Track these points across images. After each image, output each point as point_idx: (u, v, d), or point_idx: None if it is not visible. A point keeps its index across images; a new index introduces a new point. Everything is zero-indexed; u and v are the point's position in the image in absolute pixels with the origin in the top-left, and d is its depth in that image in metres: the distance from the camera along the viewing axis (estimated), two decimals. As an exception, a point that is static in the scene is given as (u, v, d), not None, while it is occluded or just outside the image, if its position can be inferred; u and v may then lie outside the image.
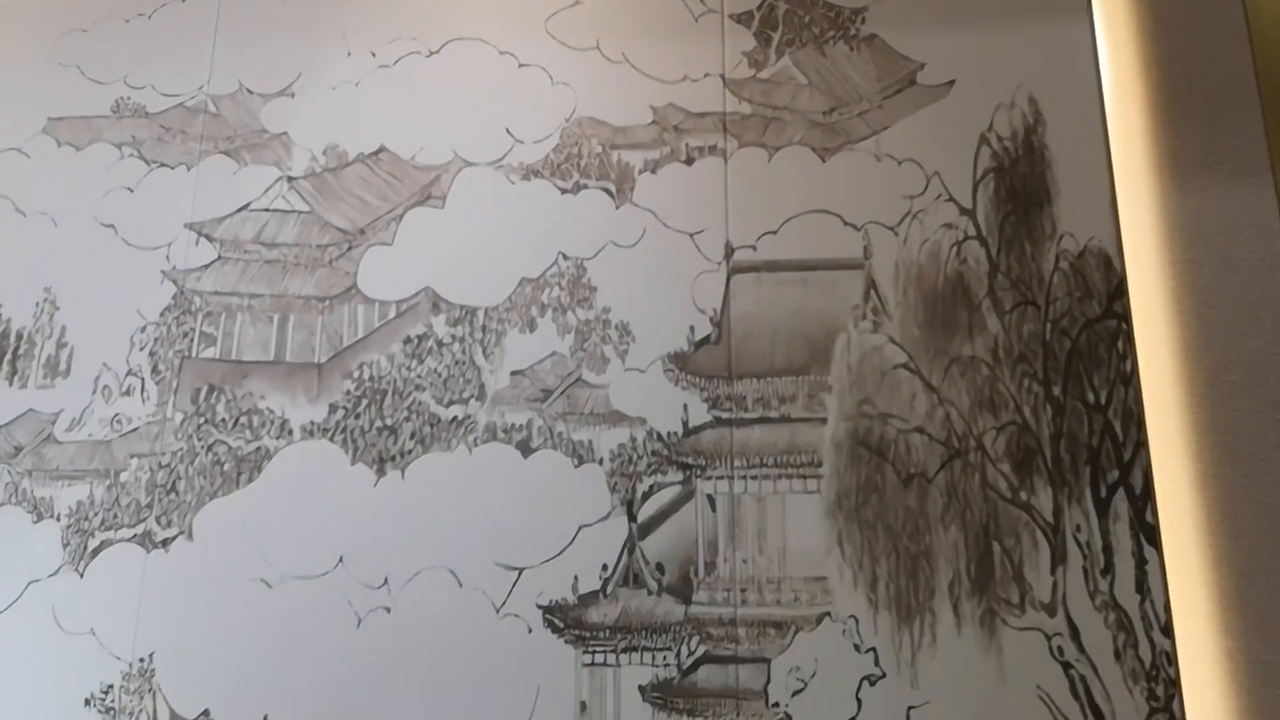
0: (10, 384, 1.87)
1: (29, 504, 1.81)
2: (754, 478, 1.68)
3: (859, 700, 1.57)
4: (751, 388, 1.72)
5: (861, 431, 1.67)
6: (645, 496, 1.70)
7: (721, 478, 1.69)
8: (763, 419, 1.70)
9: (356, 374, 1.81)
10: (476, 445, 1.75)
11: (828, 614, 1.61)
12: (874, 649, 1.59)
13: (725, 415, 1.71)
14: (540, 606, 1.67)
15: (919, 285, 1.73)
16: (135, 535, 1.78)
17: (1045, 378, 1.67)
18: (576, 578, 1.68)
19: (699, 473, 1.70)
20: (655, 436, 1.72)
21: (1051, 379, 1.67)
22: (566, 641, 1.65)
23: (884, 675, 1.58)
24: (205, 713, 1.69)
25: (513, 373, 1.78)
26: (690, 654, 1.63)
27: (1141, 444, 1.63)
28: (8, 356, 1.89)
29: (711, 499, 1.68)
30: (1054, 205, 1.74)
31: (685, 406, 1.72)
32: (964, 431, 1.66)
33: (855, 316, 1.72)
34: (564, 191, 1.84)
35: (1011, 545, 1.61)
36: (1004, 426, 1.66)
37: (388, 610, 1.70)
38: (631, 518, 1.69)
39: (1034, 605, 1.58)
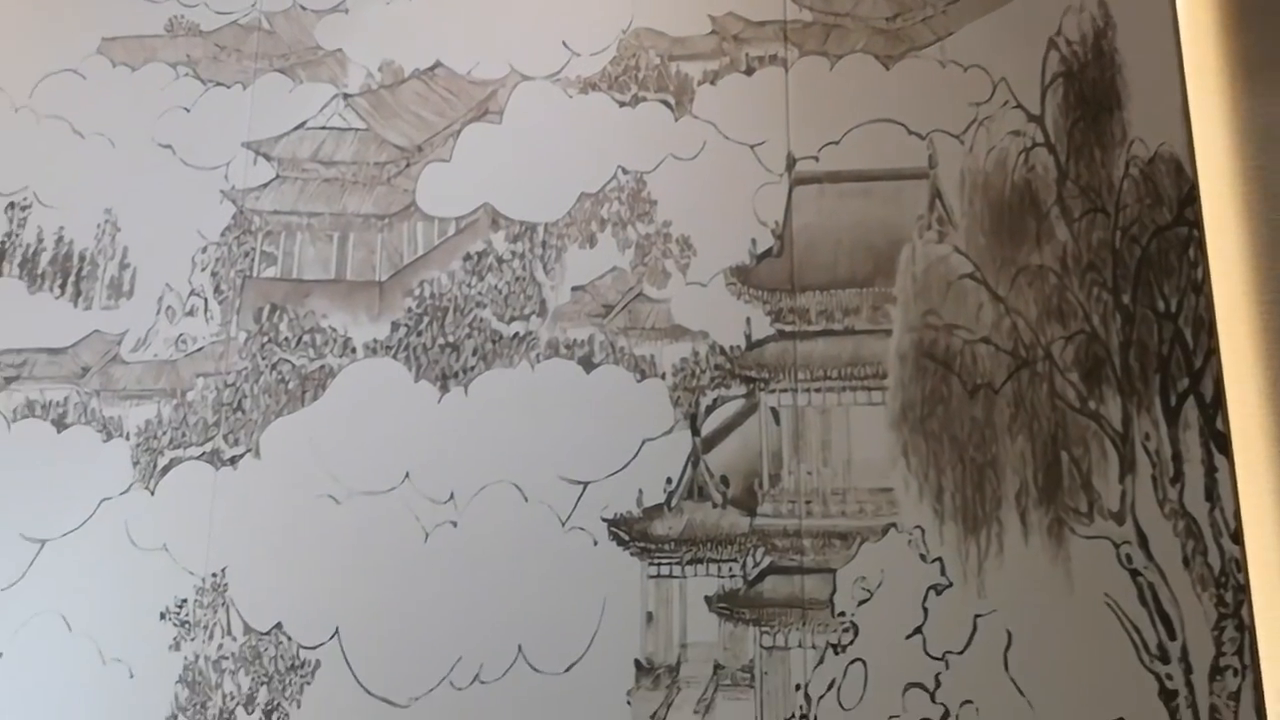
0: (75, 305, 1.89)
1: (98, 423, 1.84)
2: (818, 390, 1.68)
3: (925, 610, 1.58)
4: (815, 300, 1.71)
5: (927, 343, 1.66)
6: (708, 410, 1.70)
7: (785, 391, 1.69)
8: (826, 331, 1.69)
9: (417, 291, 1.81)
10: (539, 361, 1.75)
11: (893, 525, 1.61)
12: (940, 559, 1.59)
13: (788, 328, 1.71)
14: (605, 520, 1.68)
15: (985, 194, 1.70)
16: (204, 453, 1.80)
17: (1115, 286, 1.65)
18: (641, 491, 1.68)
19: (762, 386, 1.69)
20: (718, 350, 1.71)
21: (1121, 287, 1.65)
22: (632, 554, 1.67)
23: (950, 585, 1.58)
24: (278, 625, 1.72)
25: (573, 288, 1.77)
26: (755, 565, 1.64)
27: (1212, 351, 1.61)
28: (71, 278, 1.90)
29: (775, 412, 1.68)
30: (1124, 110, 1.71)
31: (748, 320, 1.71)
32: (1031, 341, 1.64)
33: (920, 227, 1.70)
34: (622, 104, 1.82)
35: (1080, 454, 1.60)
36: (1072, 336, 1.64)
37: (454, 525, 1.72)
38: (695, 431, 1.69)
39: (1102, 514, 1.58)
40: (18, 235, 1.94)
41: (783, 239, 1.73)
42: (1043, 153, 1.71)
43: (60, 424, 1.85)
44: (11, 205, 1.95)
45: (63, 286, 1.90)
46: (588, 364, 1.74)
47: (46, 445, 1.84)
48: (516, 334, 1.77)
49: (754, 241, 1.74)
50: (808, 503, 1.64)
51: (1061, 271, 1.66)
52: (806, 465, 1.66)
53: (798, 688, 1.58)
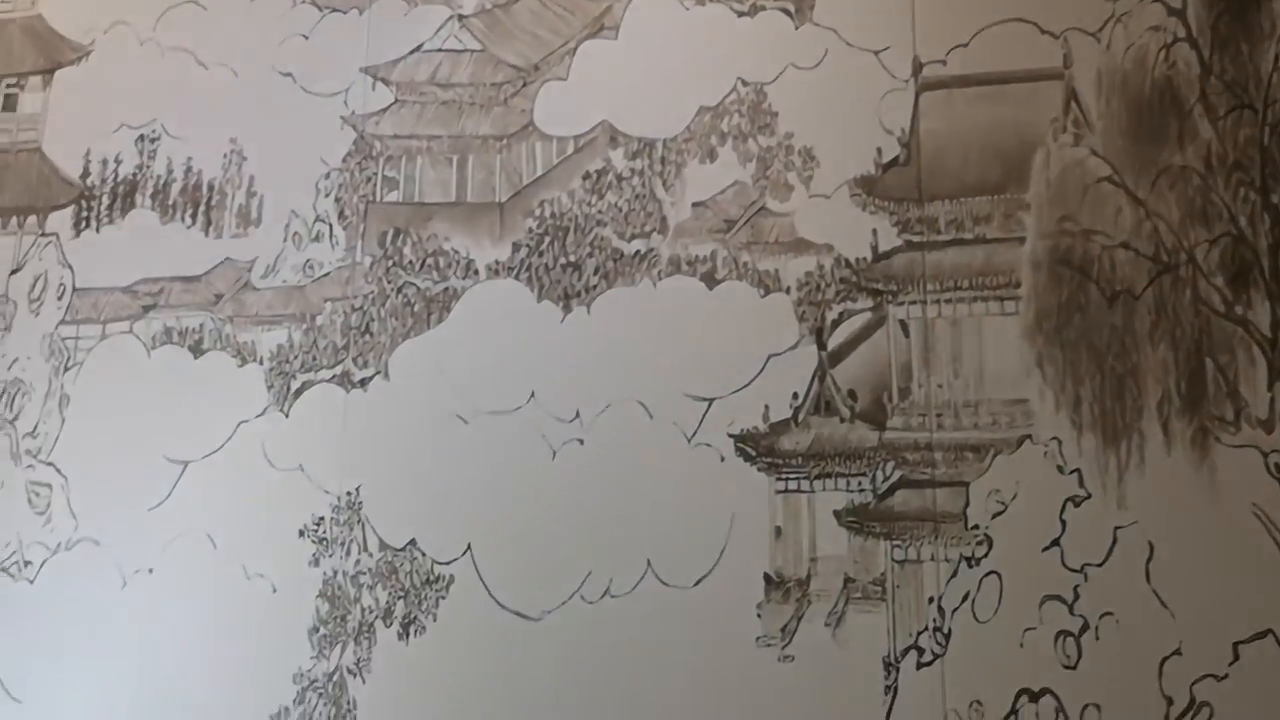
0: (205, 235, 1.94)
1: (233, 349, 1.89)
2: (948, 301, 1.64)
3: (1063, 522, 1.55)
4: (944, 209, 1.66)
5: (1062, 249, 1.61)
6: (834, 324, 1.68)
7: (914, 302, 1.65)
8: (956, 241, 1.65)
9: (537, 212, 1.81)
10: (661, 279, 1.75)
11: (1028, 437, 1.58)
12: (1078, 470, 1.56)
13: (916, 239, 1.67)
14: (732, 436, 1.68)
15: (1123, 93, 1.63)
16: (334, 376, 1.84)
17: (1263, 185, 1.57)
18: (767, 407, 1.68)
19: (890, 298, 1.66)
20: (843, 263, 1.68)
21: (1270, 187, 1.57)
22: (759, 469, 1.67)
23: (1089, 496, 1.55)
24: (412, 542, 1.76)
25: (694, 204, 1.75)
26: (885, 479, 1.62)
27: (1370, 253, 1.53)
28: (201, 208, 1.95)
29: (904, 324, 1.65)
30: (1273, 1, 1.61)
31: (874, 231, 1.68)
32: (1174, 245, 1.58)
33: (1054, 129, 1.64)
34: (740, 14, 1.78)
35: (1225, 361, 1.54)
36: (1218, 239, 1.57)
37: (581, 442, 1.73)
38: (821, 346, 1.67)
39: (1250, 422, 1.52)
40: (148, 167, 1.98)
41: (909, 147, 1.69)
42: (1184, 48, 1.63)
43: (197, 350, 1.90)
44: (141, 138, 2.00)
45: (193, 216, 1.95)
46: (710, 280, 1.73)
47: (185, 371, 1.90)
48: (638, 252, 1.76)
49: (879, 151, 1.70)
50: (939, 416, 1.62)
51: (1205, 172, 1.59)
52: (937, 378, 1.63)
53: (930, 600, 1.57)
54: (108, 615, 1.83)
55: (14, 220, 2.02)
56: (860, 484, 1.63)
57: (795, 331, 1.69)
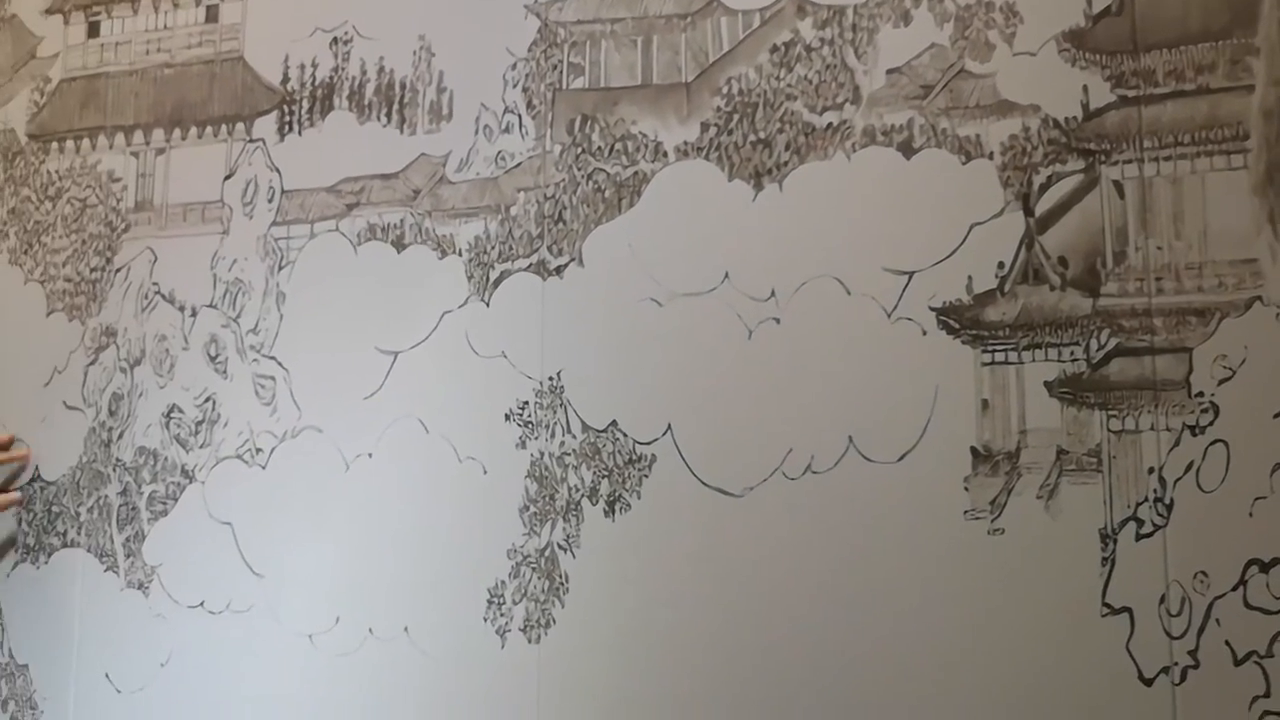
0: (400, 132, 1.99)
1: (433, 242, 1.95)
2: (1167, 158, 1.55)
3: (1297, 386, 1.46)
4: (1161, 59, 1.56)
5: (1298, 95, 1.49)
6: (1042, 189, 1.60)
7: (1129, 161, 1.56)
8: (1176, 93, 1.55)
9: (725, 89, 1.78)
10: (855, 151, 1.70)
11: (1258, 298, 1.49)
12: (1315, 331, 1.46)
13: (1131, 93, 1.57)
14: (933, 309, 1.64)
15: (1371, -83, 1.48)
16: (530, 264, 1.88)
17: None
18: (970, 278, 1.63)
19: (1103, 158, 1.58)
20: (1051, 124, 1.60)
21: None
22: (963, 342, 1.63)
23: (1326, 359, 1.45)
24: (613, 423, 1.80)
25: (888, 71, 1.69)
26: (1100, 347, 1.56)
27: None
28: (395, 106, 1.99)
29: (1118, 185, 1.57)
30: None
31: (1085, 88, 1.59)
32: None
33: (1288, -37, 1.50)
34: None
35: None
36: None
37: (776, 321, 1.72)
38: (1028, 212, 1.61)
39: None
40: (343, 69, 2.04)
41: (1123, -6, 1.58)
42: None
43: (399, 244, 1.97)
44: (335, 40, 2.05)
45: (388, 115, 2.00)
46: (907, 149, 1.67)
47: (389, 265, 1.97)
48: (830, 124, 1.72)
49: (1088, 1, 1.60)
50: (1158, 279, 1.54)
51: None
52: (1156, 240, 1.54)
53: (1150, 471, 1.51)
54: (333, 497, 1.95)
55: (224, 128, 2.12)
56: (1073, 354, 1.57)
57: (1000, 198, 1.62)
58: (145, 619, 2.05)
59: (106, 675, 2.07)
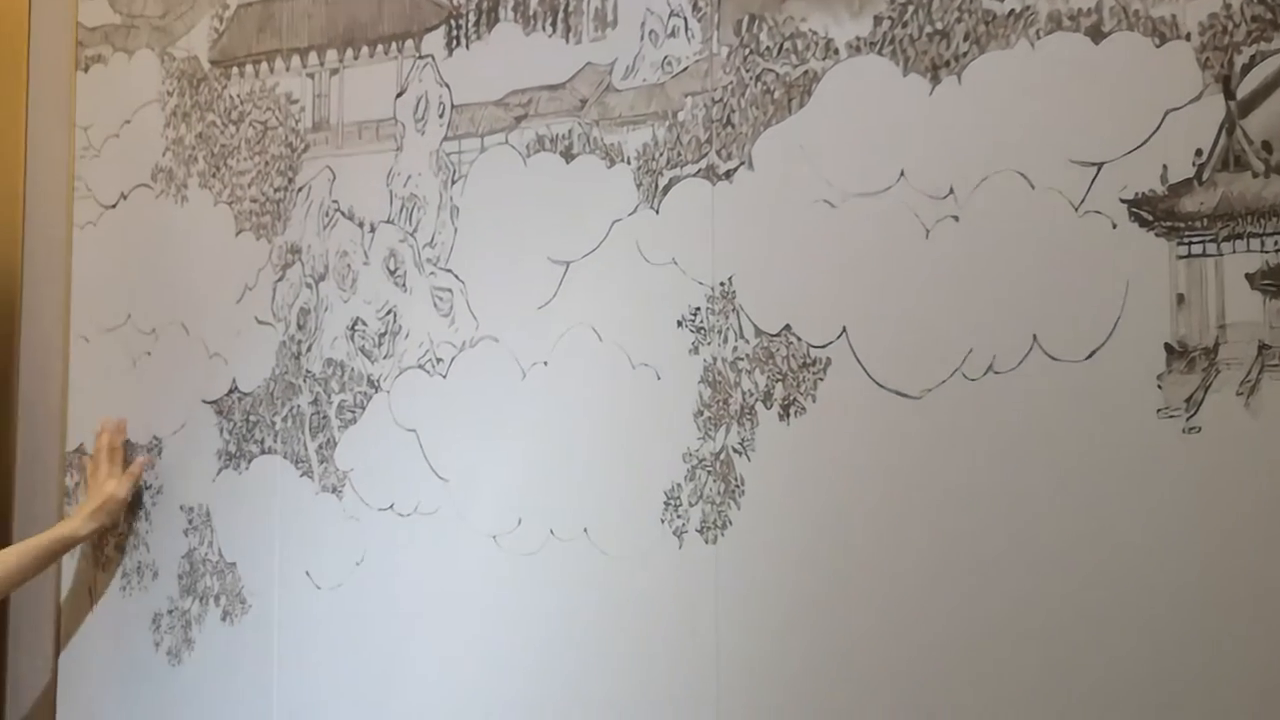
0: (566, 41, 1.99)
1: (601, 151, 1.96)
2: (1390, 29, 1.44)
3: None
4: (1385, -79, 1.44)
5: None
6: (1245, 69, 1.51)
7: (1345, 34, 1.46)
8: (1402, -43, 1.43)
9: (899, -20, 1.72)
10: (1039, 38, 1.63)
11: None
12: None
13: (1349, -40, 1.46)
14: (1124, 200, 1.57)
15: None
16: (700, 170, 1.87)
17: None
18: (1165, 167, 1.55)
19: (1315, 33, 1.47)
20: (1255, -1, 1.50)
21: None
22: (1157, 234, 1.56)
23: None
24: (787, 327, 1.80)
25: (1075, -49, 1.61)
26: (1308, 236, 1.48)
27: None
28: (560, 15, 2.00)
29: (1332, 61, 1.47)
30: None
31: (1294, -43, 1.48)
32: None
33: None
34: None
35: None
36: None
37: (955, 219, 1.68)
38: (1229, 95, 1.52)
39: None
40: (508, -20, 2.05)
41: None
42: None
43: (568, 155, 1.99)
44: (499, -48, 2.06)
45: (553, 24, 2.00)
46: (1095, 34, 1.59)
47: (558, 175, 2.00)
48: (1012, 11, 1.65)
49: None
50: (1376, 162, 1.44)
51: None
52: (1375, 118, 1.44)
53: (1363, 365, 1.44)
54: (511, 404, 2.01)
55: (394, 46, 2.16)
56: (1276, 244, 1.49)
57: (1198, 82, 1.53)
58: (340, 520, 2.17)
59: (307, 573, 2.20)
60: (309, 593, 2.20)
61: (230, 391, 2.32)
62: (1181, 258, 1.54)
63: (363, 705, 2.13)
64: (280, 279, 2.28)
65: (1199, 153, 1.53)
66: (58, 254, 2.55)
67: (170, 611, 2.36)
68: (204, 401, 2.35)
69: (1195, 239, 1.54)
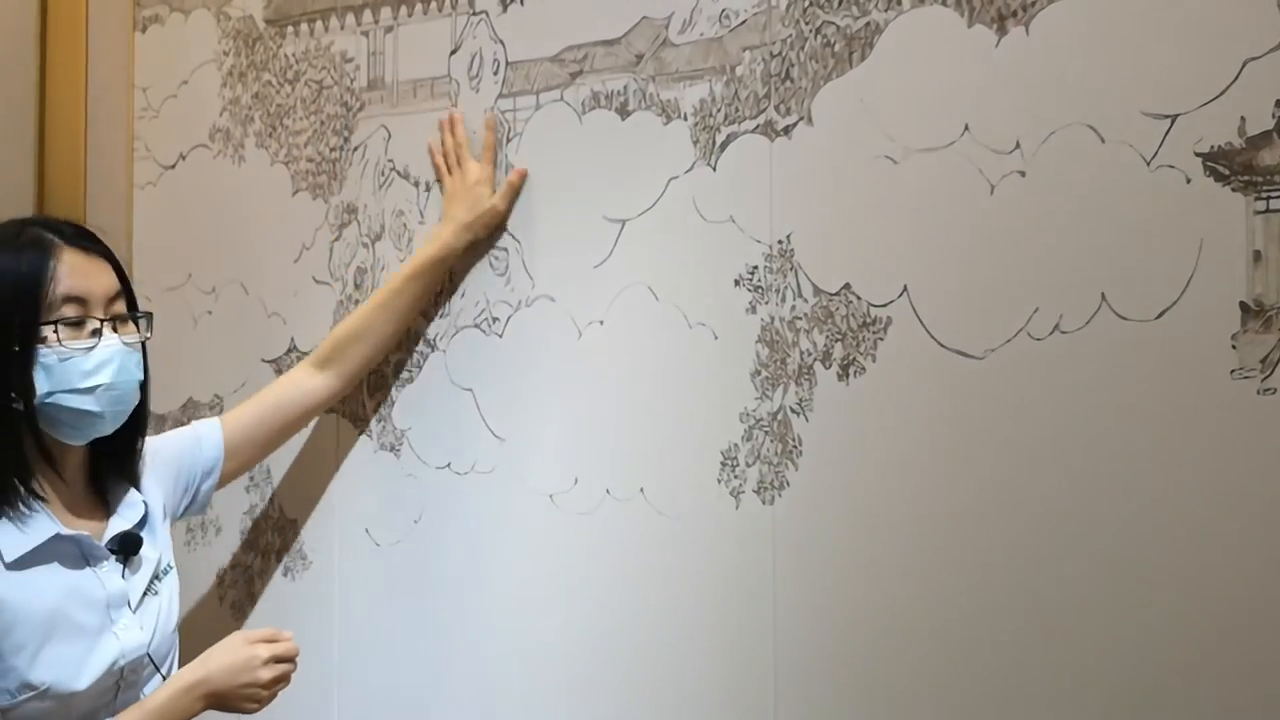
0: (623, -5, 1.96)
1: (657, 107, 1.93)
2: None
3: None
4: None
5: None
6: (1332, 14, 1.45)
7: None
8: None
9: (965, -73, 1.67)
10: (1111, -15, 1.58)
11: None
12: None
13: None
14: (1199, 154, 1.52)
15: None
16: (758, 126, 1.84)
17: None
18: (1243, 119, 1.49)
19: (1407, -24, 1.40)
20: (1345, -60, 1.44)
21: None
22: (1233, 189, 1.50)
23: None
24: (846, 286, 1.77)
25: (1151, -107, 1.55)
26: (1396, 189, 1.42)
27: None
28: (615, -31, 1.96)
29: None
30: None
31: (1386, -104, 1.41)
32: None
33: None
34: None
35: None
36: None
37: (1022, 175, 1.64)
38: (1313, 42, 1.46)
39: None
40: (562, -67, 2.02)
41: None
42: None
43: (623, 111, 1.96)
44: (553, -96, 2.03)
45: (608, -23, 1.97)
46: (1172, -20, 1.54)
47: (613, 132, 1.97)
48: (1083, -43, 1.59)
49: None
50: None
51: None
52: None
53: None
54: (567, 363, 2.01)
55: (447, 2, 2.14)
56: (1361, 198, 1.44)
57: (1278, 29, 1.47)
58: (398, 478, 2.18)
59: (366, 530, 2.22)
60: (368, 550, 2.22)
61: (289, 350, 2.34)
62: (1259, 213, 1.49)
63: (422, 660, 2.15)
64: (337, 239, 2.28)
65: (1279, 104, 1.48)
66: (119, 214, 2.58)
67: (233, 567, 2.40)
68: (263, 360, 2.37)
69: (1274, 194, 1.48)
